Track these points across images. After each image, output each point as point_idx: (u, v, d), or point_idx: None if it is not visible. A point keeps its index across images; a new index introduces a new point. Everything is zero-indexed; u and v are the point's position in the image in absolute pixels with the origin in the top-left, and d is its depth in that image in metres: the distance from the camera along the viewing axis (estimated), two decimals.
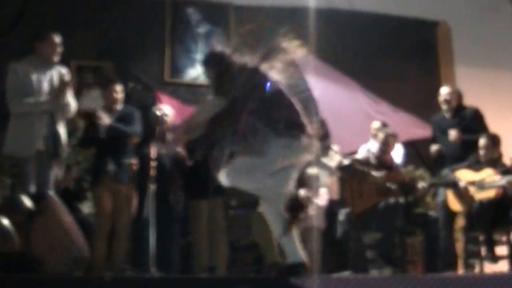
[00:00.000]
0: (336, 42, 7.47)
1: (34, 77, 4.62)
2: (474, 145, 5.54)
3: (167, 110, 5.72)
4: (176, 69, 7.37)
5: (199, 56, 7.42)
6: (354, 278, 4.54)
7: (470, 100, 5.94)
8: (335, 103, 7.36)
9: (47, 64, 4.73)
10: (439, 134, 5.89)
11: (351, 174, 5.57)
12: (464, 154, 5.59)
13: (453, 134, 5.56)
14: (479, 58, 7.46)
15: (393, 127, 6.30)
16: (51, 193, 4.36)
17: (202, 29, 7.49)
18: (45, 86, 4.67)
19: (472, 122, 5.70)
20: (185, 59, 7.38)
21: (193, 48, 7.47)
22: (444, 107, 5.84)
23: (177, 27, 7.39)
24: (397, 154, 6.12)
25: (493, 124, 5.82)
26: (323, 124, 6.48)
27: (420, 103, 7.20)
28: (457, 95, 5.84)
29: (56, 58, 4.77)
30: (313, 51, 7.04)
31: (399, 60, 7.68)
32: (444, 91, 5.86)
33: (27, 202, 3.94)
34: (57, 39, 4.76)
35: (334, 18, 7.44)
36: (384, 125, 6.47)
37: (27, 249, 3.78)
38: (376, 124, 6.50)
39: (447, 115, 5.83)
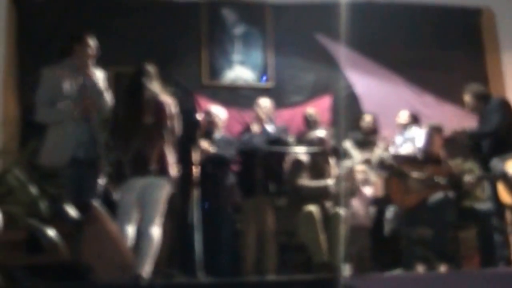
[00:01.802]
0: (379, 35, 7.38)
1: (66, 82, 4.49)
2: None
3: (220, 112, 5.98)
4: (214, 72, 7.30)
5: (236, 57, 7.39)
6: (407, 276, 4.45)
7: None
8: (378, 98, 7.28)
9: (83, 68, 4.57)
10: None
11: (391, 174, 5.50)
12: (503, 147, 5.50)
13: None
14: None
15: (439, 120, 6.23)
16: (95, 202, 4.35)
17: (238, 30, 7.43)
18: (77, 91, 4.53)
19: (491, 113, 5.59)
20: (222, 61, 7.33)
21: (230, 50, 7.41)
22: (467, 108, 5.88)
23: (213, 29, 7.33)
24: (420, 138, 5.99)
25: None
26: (374, 121, 6.51)
27: None
28: (473, 95, 5.77)
29: (93, 61, 4.62)
30: (353, 46, 6.98)
31: (444, 50, 7.58)
32: (465, 96, 5.83)
33: (72, 212, 3.94)
34: (93, 41, 4.63)
35: (375, 11, 7.35)
36: (414, 115, 6.39)
37: (75, 259, 3.78)
38: (404, 114, 6.41)
39: (475, 114, 5.80)
